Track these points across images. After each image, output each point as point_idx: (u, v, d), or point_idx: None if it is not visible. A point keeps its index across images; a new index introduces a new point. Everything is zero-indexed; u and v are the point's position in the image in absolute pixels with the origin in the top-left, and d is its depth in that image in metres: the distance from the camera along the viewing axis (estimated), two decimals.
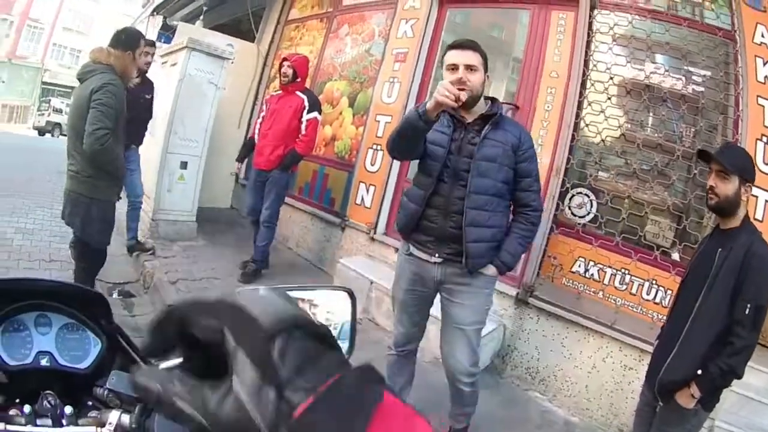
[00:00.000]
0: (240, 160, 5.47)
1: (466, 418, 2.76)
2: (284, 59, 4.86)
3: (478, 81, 2.36)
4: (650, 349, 2.69)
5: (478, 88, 2.38)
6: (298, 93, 4.74)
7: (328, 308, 1.03)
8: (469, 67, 2.34)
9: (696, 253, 2.44)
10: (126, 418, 0.91)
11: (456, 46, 2.42)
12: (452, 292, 2.51)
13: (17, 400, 0.98)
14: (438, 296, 2.60)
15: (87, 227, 3.25)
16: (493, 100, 2.54)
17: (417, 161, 2.64)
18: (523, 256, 3.92)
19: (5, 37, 35.24)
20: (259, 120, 5.06)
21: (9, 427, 0.91)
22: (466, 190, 2.37)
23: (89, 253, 3.40)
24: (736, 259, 2.10)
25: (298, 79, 4.76)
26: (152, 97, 5.33)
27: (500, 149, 2.39)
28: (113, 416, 0.92)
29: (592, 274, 3.64)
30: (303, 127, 4.68)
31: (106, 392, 0.98)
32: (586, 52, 3.81)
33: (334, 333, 0.97)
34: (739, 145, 3.10)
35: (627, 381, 3.33)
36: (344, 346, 1.01)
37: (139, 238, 5.28)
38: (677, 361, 2.19)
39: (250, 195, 5.02)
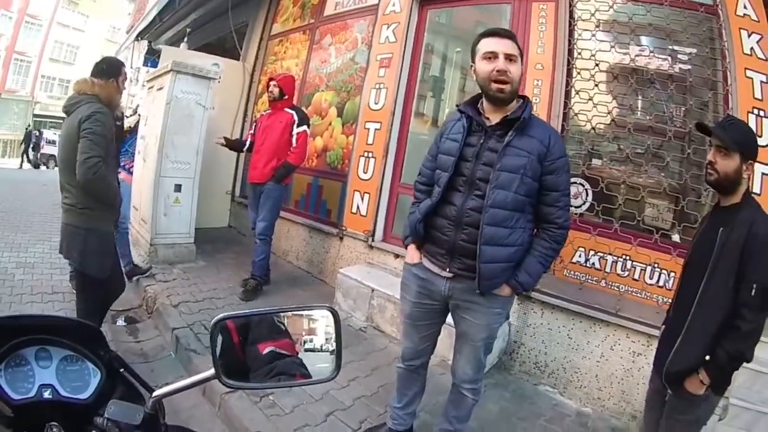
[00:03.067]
0: (228, 145, 5.48)
1: (458, 423, 2.61)
2: (271, 78, 5.08)
3: (518, 73, 2.18)
4: (657, 333, 2.59)
5: (518, 82, 2.19)
6: (287, 109, 4.96)
7: (327, 323, 1.10)
8: (509, 57, 2.14)
9: (697, 233, 2.36)
10: None
11: (493, 33, 2.21)
12: (462, 309, 2.38)
13: None
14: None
15: (85, 259, 3.24)
16: (525, 99, 2.29)
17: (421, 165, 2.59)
18: None
19: None
20: (249, 138, 5.25)
21: None
22: (484, 202, 2.19)
23: (89, 284, 3.36)
24: (739, 238, 2.02)
25: (286, 97, 4.98)
26: (122, 123, 5.44)
27: (525, 159, 2.17)
28: None
29: (593, 263, 3.64)
30: (294, 140, 4.86)
31: (105, 421, 0.99)
32: (570, 41, 3.81)
33: (333, 346, 1.09)
34: (740, 119, 3.03)
35: (637, 367, 3.31)
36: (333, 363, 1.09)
37: (134, 262, 5.29)
38: (684, 348, 2.13)
39: (252, 210, 5.14)
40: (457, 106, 2.40)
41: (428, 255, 2.44)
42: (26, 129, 24.53)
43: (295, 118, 4.89)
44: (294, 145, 4.87)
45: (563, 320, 3.68)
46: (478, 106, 2.30)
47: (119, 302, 4.46)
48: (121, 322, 4.33)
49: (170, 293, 4.74)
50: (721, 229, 2.09)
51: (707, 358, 2.05)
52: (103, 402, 1.10)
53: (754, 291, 1.97)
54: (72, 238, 3.24)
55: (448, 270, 2.34)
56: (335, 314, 1.10)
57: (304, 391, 3.20)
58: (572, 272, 3.74)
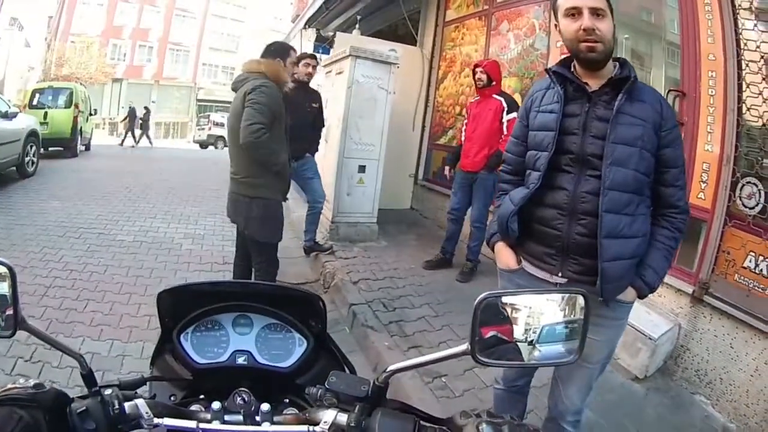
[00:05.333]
0: (451, 165, 6.54)
1: None
2: (476, 65, 6.07)
3: (609, 29, 2.09)
4: None
5: (610, 40, 2.10)
6: (495, 96, 5.93)
7: (529, 313, 1.17)
8: (596, 12, 2.05)
9: None
10: (343, 418, 1.08)
11: None
12: None
13: (201, 397, 1.19)
14: None
15: (250, 224, 4.05)
16: (623, 61, 2.23)
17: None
18: (699, 250, 4.38)
19: (147, 61, 43.98)
20: (463, 126, 6.28)
21: (202, 425, 1.07)
22: (601, 183, 2.11)
23: (262, 249, 4.19)
24: None
25: (493, 83, 5.95)
26: (320, 105, 6.56)
27: (641, 128, 2.12)
28: (329, 415, 1.08)
29: (761, 270, 3.90)
30: (504, 127, 5.77)
31: (321, 391, 1.12)
32: (736, 31, 4.16)
33: (533, 336, 1.15)
34: None
35: None
36: (572, 345, 1.18)
37: (317, 240, 6.44)
38: None
39: (456, 195, 6.28)
40: (546, 69, 2.37)
41: (531, 257, 2.37)
42: (129, 106, 27.68)
43: (504, 105, 5.77)
44: (505, 132, 5.68)
45: (729, 328, 4.05)
46: (572, 70, 2.27)
47: (294, 275, 5.51)
48: None
49: (350, 270, 5.80)
50: None
51: None
52: (303, 373, 1.28)
53: None
54: (235, 205, 4.08)
55: (560, 274, 2.26)
56: (587, 298, 1.18)
57: (476, 376, 3.74)
58: (742, 277, 4.03)
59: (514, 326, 1.15)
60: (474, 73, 6.01)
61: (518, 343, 1.15)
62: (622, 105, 2.12)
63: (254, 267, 4.33)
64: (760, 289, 3.93)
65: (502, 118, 5.75)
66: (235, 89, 4.05)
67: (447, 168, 6.66)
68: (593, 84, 2.20)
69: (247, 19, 48.56)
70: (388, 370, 1.10)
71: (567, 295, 1.20)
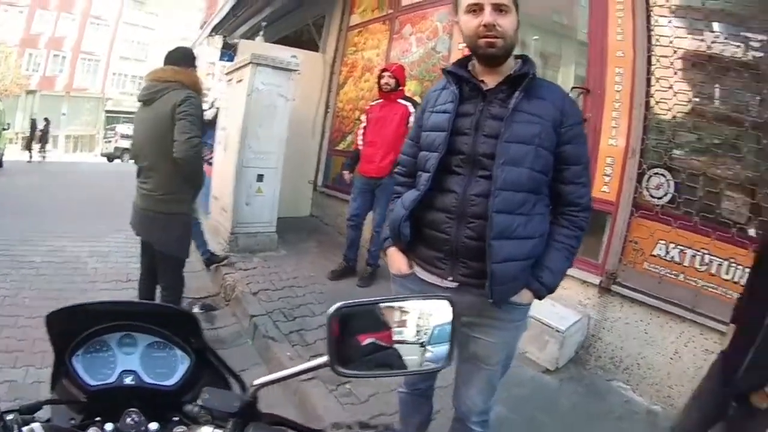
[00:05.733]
0: (350, 170, 6.12)
1: None
2: (384, 69, 5.70)
3: (511, 26, 1.92)
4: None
5: (512, 36, 1.94)
6: (400, 101, 5.56)
7: (419, 315, 1.15)
8: (498, 7, 1.88)
9: None
10: None
11: None
12: (473, 327, 2.12)
13: (97, 419, 1.12)
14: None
15: (168, 242, 3.75)
16: (525, 58, 2.06)
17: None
18: (605, 241, 4.28)
19: (59, 72, 39.90)
20: (361, 130, 5.83)
21: None
22: (492, 184, 1.93)
23: (173, 267, 3.89)
24: None
25: (400, 87, 5.59)
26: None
27: (538, 126, 1.94)
28: (205, 431, 1.06)
29: (673, 257, 3.90)
30: None
31: (197, 408, 1.10)
32: (648, 27, 4.12)
33: (425, 338, 1.14)
34: None
35: (708, 366, 3.35)
36: (443, 348, 1.15)
37: (211, 250, 6.03)
38: (761, 359, 2.19)
39: (355, 200, 5.83)
40: (442, 69, 2.19)
41: (422, 261, 2.19)
42: (31, 118, 25.74)
43: (411, 110, 5.41)
44: None
45: (641, 315, 4.01)
46: (469, 69, 2.09)
47: (196, 290, 5.12)
48: (197, 309, 4.86)
49: (250, 281, 5.40)
50: None
51: None
52: (188, 389, 1.22)
53: None
54: (151, 223, 3.73)
55: (450, 278, 2.08)
56: (453, 304, 1.16)
57: (380, 381, 3.45)
58: (652, 265, 4.00)
59: (403, 329, 1.13)
60: (380, 78, 5.63)
61: (409, 346, 1.13)
62: (519, 102, 1.95)
63: (162, 286, 3.99)
64: (672, 276, 3.92)
65: (408, 123, 5.37)
66: (149, 100, 3.66)
67: (346, 173, 6.27)
68: (492, 82, 2.03)
69: (157, 27, 46.49)
70: (254, 384, 1.08)
71: (438, 301, 1.19)
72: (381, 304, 1.12)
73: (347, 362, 1.07)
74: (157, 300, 3.91)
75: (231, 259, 6.04)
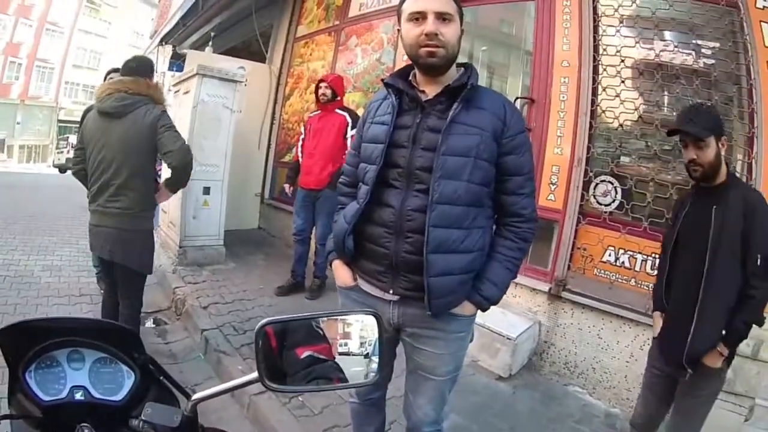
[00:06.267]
0: (291, 182, 5.63)
1: None
2: (321, 80, 5.20)
3: (454, 36, 1.78)
4: None
5: (454, 45, 1.79)
6: (338, 111, 5.09)
7: (362, 327, 1.14)
8: (442, 16, 1.75)
9: (680, 215, 2.50)
10: None
11: None
12: (417, 338, 1.98)
13: None
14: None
15: (140, 259, 3.43)
16: (466, 66, 1.91)
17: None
18: (553, 249, 4.11)
19: (15, 79, 37.56)
20: (300, 142, 5.36)
21: None
22: (429, 198, 1.78)
23: (139, 283, 3.58)
24: (736, 213, 2.20)
25: (338, 98, 5.11)
26: None
27: (476, 137, 1.79)
28: None
29: (623, 262, 3.73)
30: (348, 143, 4.90)
31: (141, 423, 1.05)
32: (595, 37, 3.92)
33: (368, 350, 1.12)
34: (699, 102, 3.23)
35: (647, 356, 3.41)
36: (375, 362, 1.13)
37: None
38: (703, 329, 2.26)
39: (299, 215, 5.31)
40: (382, 80, 2.01)
41: (365, 274, 2.03)
42: None
43: (349, 120, 5.00)
44: (349, 148, 4.91)
45: (593, 320, 3.81)
46: (410, 79, 1.94)
47: (147, 304, 4.65)
48: (149, 323, 4.55)
49: (199, 295, 4.98)
50: (714, 207, 2.25)
51: (724, 332, 2.23)
52: (136, 404, 1.16)
53: (759, 261, 2.16)
54: (129, 243, 3.36)
55: (392, 291, 1.93)
56: (379, 318, 1.14)
57: (334, 393, 3.26)
58: (602, 271, 3.84)
59: (348, 341, 1.13)
60: (318, 88, 5.16)
61: (354, 357, 1.12)
62: (457, 114, 1.79)
63: (125, 303, 3.58)
64: (623, 281, 3.77)
65: (346, 133, 4.99)
66: (119, 113, 3.22)
67: (287, 185, 5.80)
68: (432, 92, 1.86)
69: (110, 35, 44.46)
70: (192, 399, 1.05)
71: (364, 315, 1.18)
72: (316, 319, 1.11)
73: (285, 375, 1.06)
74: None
75: (180, 272, 5.59)
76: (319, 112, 5.21)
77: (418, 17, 1.75)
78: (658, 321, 2.57)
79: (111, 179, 3.26)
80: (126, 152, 3.22)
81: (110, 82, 3.43)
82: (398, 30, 1.88)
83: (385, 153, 1.85)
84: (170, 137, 3.23)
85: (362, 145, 2.00)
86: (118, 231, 3.31)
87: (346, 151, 4.74)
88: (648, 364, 2.69)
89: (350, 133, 4.91)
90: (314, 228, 5.30)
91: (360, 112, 6.09)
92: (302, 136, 5.36)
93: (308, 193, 5.15)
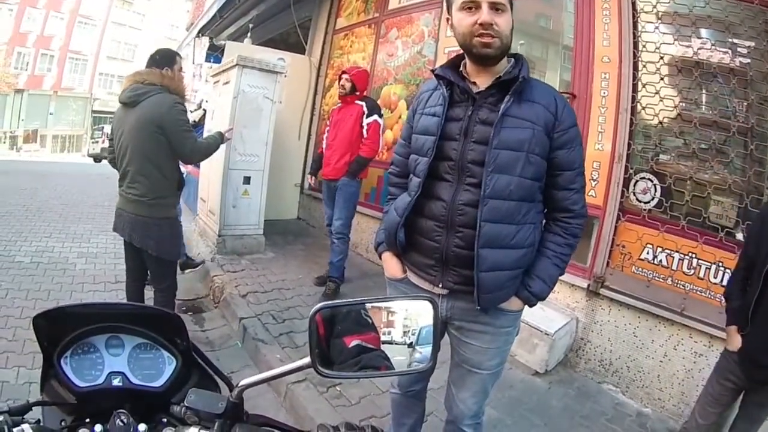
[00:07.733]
0: (313, 173, 5.95)
1: None
2: (344, 72, 5.44)
3: (507, 26, 1.80)
4: (719, 334, 3.06)
5: (508, 36, 1.82)
6: (357, 102, 5.31)
7: (406, 315, 1.14)
8: (495, 6, 1.76)
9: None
10: None
11: None
12: (464, 332, 2.07)
13: (87, 420, 1.11)
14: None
15: (162, 246, 3.63)
16: (517, 57, 1.94)
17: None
18: (592, 245, 4.23)
19: (47, 71, 38.94)
20: (325, 134, 5.63)
21: None
22: (481, 192, 1.83)
23: (167, 269, 3.80)
24: None
25: (357, 92, 5.34)
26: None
27: (529, 131, 1.82)
28: None
29: (660, 261, 3.85)
30: (365, 131, 5.17)
31: (183, 410, 1.06)
32: (634, 34, 4.06)
33: (412, 338, 1.13)
34: None
35: (698, 368, 3.55)
36: (427, 349, 1.14)
37: (188, 255, 5.92)
38: None
39: (327, 206, 5.58)
40: (432, 70, 2.04)
41: (414, 267, 2.11)
42: None
43: (365, 108, 5.19)
44: (365, 136, 5.16)
45: (630, 318, 3.96)
46: (461, 69, 1.98)
47: (185, 292, 5.00)
48: (186, 311, 4.81)
49: (238, 283, 5.26)
50: None
51: None
52: (176, 391, 1.21)
53: None
54: (146, 229, 3.57)
55: (441, 285, 2.01)
56: (435, 305, 1.14)
57: (371, 383, 3.47)
58: (640, 269, 3.96)
59: (391, 330, 1.12)
60: (339, 79, 5.40)
61: (397, 346, 1.12)
62: (509, 107, 1.82)
63: (157, 289, 3.85)
64: (660, 279, 3.88)
65: (362, 122, 5.18)
66: (132, 102, 3.49)
67: (309, 176, 6.13)
68: (484, 83, 1.90)
69: (144, 27, 45.80)
70: (240, 385, 1.05)
71: (420, 302, 1.16)
72: (366, 305, 1.11)
73: (332, 363, 1.06)
74: (150, 303, 3.81)
75: (219, 261, 5.90)
76: (340, 104, 5.46)
77: (472, 6, 1.78)
78: (735, 336, 2.65)
79: (127, 165, 3.55)
80: (138, 139, 3.47)
81: (130, 74, 3.68)
82: (447, 19, 1.93)
83: (437, 146, 1.91)
84: (178, 140, 3.48)
85: (413, 136, 2.06)
86: (135, 216, 3.58)
87: (365, 141, 5.16)
88: (719, 376, 2.78)
89: (366, 121, 5.13)
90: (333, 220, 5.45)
91: (402, 104, 6.40)
92: (327, 128, 5.62)
93: (328, 183, 5.42)
